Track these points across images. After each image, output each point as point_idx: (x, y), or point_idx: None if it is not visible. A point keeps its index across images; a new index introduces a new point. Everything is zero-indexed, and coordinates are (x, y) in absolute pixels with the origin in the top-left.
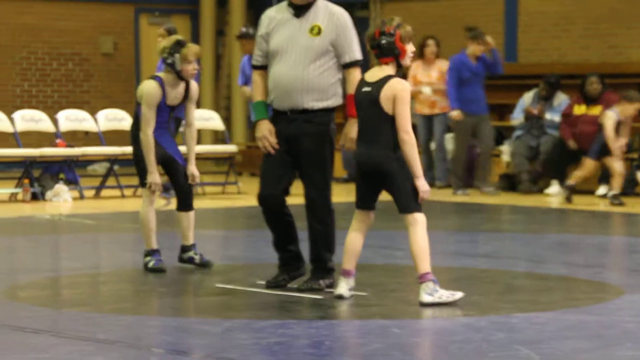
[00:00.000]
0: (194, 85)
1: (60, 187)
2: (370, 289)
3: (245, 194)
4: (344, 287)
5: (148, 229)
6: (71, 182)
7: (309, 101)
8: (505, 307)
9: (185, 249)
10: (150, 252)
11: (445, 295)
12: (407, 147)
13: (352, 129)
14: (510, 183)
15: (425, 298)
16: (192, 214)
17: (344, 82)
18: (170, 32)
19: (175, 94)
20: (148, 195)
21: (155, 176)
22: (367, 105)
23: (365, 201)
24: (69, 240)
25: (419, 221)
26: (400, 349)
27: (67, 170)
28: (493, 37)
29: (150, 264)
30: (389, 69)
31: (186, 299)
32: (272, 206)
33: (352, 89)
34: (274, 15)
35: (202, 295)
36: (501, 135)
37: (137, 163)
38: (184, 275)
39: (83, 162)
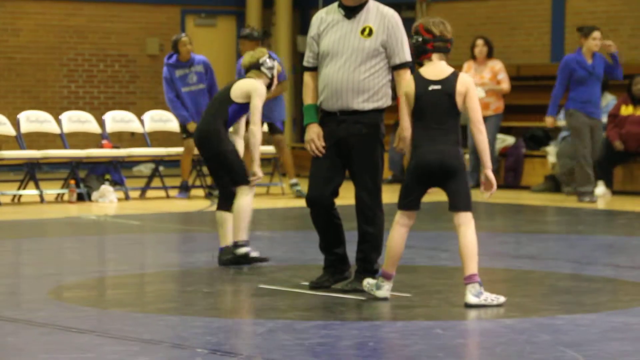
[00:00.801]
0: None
1: (106, 188)
2: (414, 290)
3: (289, 195)
4: (387, 289)
5: (246, 220)
6: (117, 183)
7: (359, 102)
8: (549, 308)
9: (237, 245)
10: (246, 243)
11: (490, 297)
12: (482, 137)
13: (402, 131)
14: (555, 184)
15: (471, 299)
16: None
17: (393, 83)
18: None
19: None
20: (248, 189)
21: (260, 169)
22: (436, 103)
23: (415, 202)
24: (114, 241)
25: (472, 221)
26: (444, 350)
27: (113, 171)
28: (540, 37)
29: (253, 254)
30: (447, 65)
31: (230, 299)
32: (320, 208)
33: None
34: (324, 17)
35: (246, 296)
36: (547, 136)
37: (229, 161)
38: (227, 276)
39: (129, 163)
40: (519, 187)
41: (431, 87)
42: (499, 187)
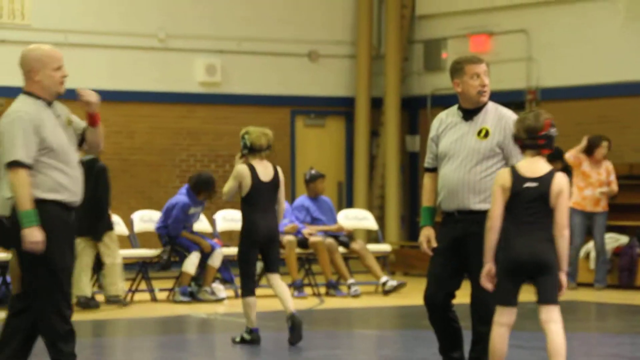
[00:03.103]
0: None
1: (217, 287)
2: None
3: (399, 293)
4: None
5: None
6: (227, 281)
7: (475, 202)
8: None
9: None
10: None
11: None
12: (564, 242)
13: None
14: None
15: None
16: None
17: None
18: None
19: None
20: None
21: None
22: (532, 200)
23: (514, 297)
24: (222, 339)
25: (560, 317)
26: None
27: (223, 270)
28: None
29: None
30: (545, 162)
31: None
32: (435, 308)
33: None
34: (444, 119)
35: None
36: None
37: None
38: None
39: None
40: (634, 287)
41: (527, 185)
42: (614, 286)
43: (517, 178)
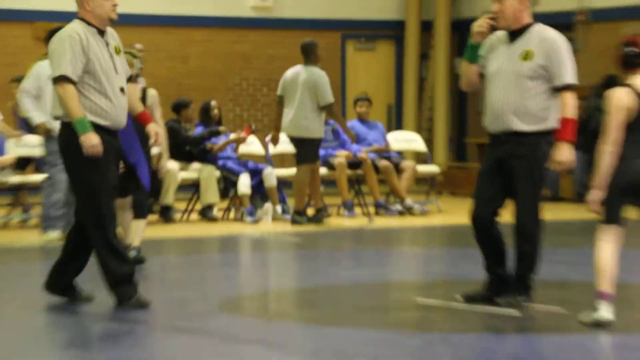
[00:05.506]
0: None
1: (269, 207)
2: (567, 305)
3: (445, 213)
4: (609, 310)
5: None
6: (279, 201)
7: (519, 124)
8: None
9: None
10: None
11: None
12: None
13: (559, 152)
14: None
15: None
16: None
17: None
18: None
19: None
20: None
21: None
22: None
23: (620, 215)
24: (276, 257)
25: None
26: None
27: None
28: None
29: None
30: None
31: (388, 313)
32: (482, 226)
33: (564, 113)
34: (493, 41)
35: (404, 310)
36: None
37: None
38: (386, 291)
39: (290, 183)
40: None
41: None
42: None
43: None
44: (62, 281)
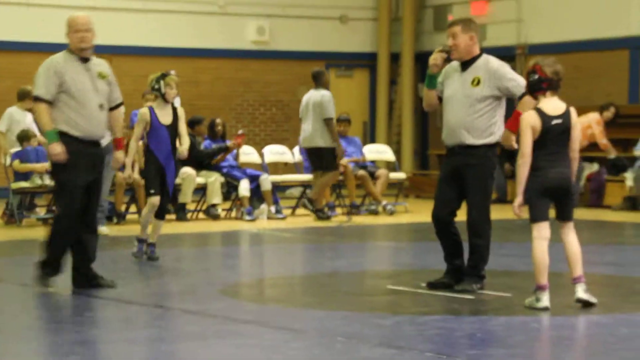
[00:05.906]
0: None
1: (264, 207)
2: (513, 291)
3: (411, 213)
4: (546, 299)
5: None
6: (273, 202)
7: (470, 138)
8: (628, 307)
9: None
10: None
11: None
12: (576, 163)
13: (504, 137)
14: (632, 204)
15: (584, 295)
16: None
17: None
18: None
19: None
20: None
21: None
22: (559, 134)
23: (545, 213)
24: (270, 249)
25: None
26: (539, 341)
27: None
28: (619, 85)
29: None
30: (560, 100)
31: (363, 297)
32: (441, 224)
33: (521, 108)
34: (448, 70)
35: (377, 295)
36: (624, 165)
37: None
38: (362, 279)
39: (283, 187)
40: (601, 207)
41: (554, 122)
42: (585, 206)
43: (545, 117)
44: (80, 275)
